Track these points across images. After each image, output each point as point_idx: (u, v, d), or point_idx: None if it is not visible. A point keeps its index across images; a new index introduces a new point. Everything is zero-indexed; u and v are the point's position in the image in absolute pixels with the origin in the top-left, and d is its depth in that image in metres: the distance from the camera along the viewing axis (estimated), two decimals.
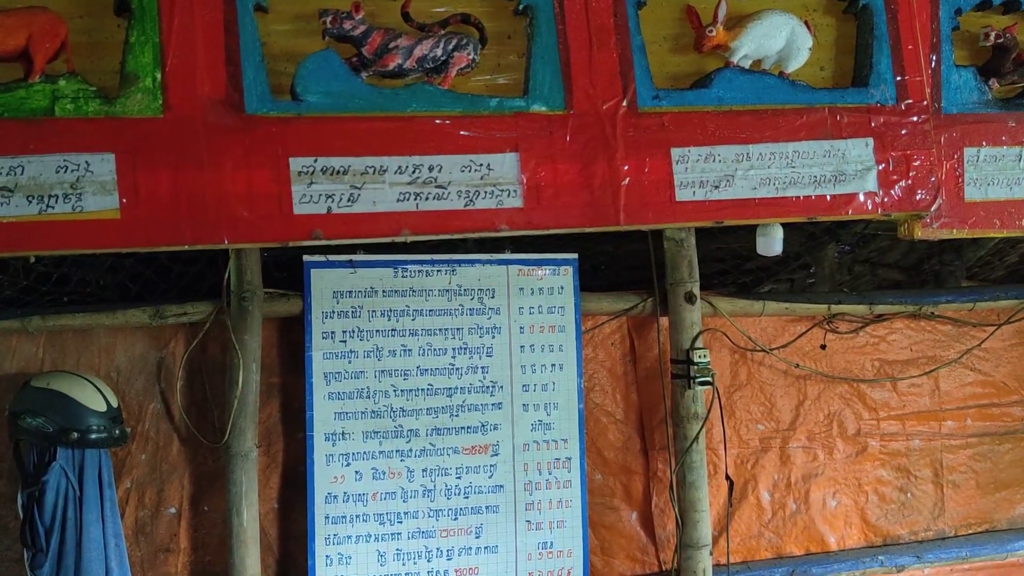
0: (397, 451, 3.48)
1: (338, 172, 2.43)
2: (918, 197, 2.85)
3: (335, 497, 3.42)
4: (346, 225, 2.47)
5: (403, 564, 3.48)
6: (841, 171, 2.79)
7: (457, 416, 3.55)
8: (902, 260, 5.50)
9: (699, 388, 3.65)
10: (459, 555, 3.53)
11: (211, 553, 3.46)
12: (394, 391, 3.49)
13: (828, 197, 2.80)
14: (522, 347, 3.63)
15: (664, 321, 3.80)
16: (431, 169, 2.49)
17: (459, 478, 3.54)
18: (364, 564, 3.44)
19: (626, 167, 2.63)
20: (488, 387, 3.59)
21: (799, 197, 2.77)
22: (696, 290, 3.72)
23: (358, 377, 3.46)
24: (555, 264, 3.69)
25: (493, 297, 3.61)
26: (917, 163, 2.86)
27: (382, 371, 3.48)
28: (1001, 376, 4.28)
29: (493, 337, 3.60)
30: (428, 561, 3.50)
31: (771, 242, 3.29)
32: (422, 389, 3.52)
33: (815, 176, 2.77)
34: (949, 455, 4.20)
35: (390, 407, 3.48)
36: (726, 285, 4.79)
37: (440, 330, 3.55)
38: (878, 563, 3.96)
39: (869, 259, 5.49)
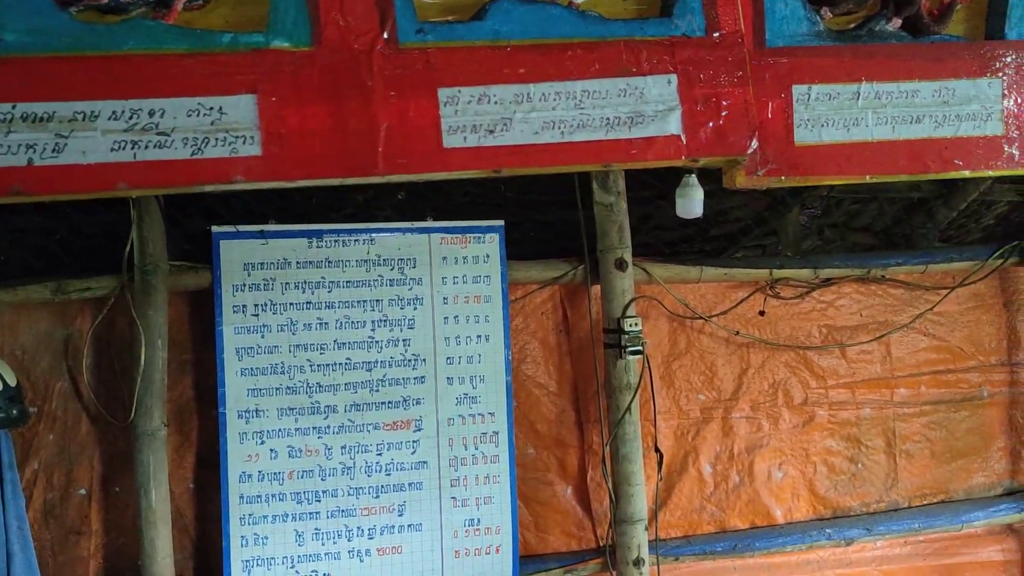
0: (314, 428, 3.36)
1: (41, 119, 2.22)
2: (731, 140, 2.56)
3: (250, 476, 3.31)
4: (51, 179, 2.22)
5: (322, 544, 3.36)
6: (639, 112, 2.51)
7: (377, 391, 3.42)
8: (873, 224, 5.34)
9: (631, 358, 3.51)
10: (381, 534, 3.41)
11: (125, 534, 3.35)
12: (310, 366, 3.36)
13: (624, 141, 2.51)
14: (446, 318, 3.50)
15: (597, 290, 3.65)
16: (152, 114, 2.26)
17: (380, 455, 3.42)
18: (282, 544, 3.33)
19: (385, 110, 2.36)
20: (410, 360, 3.46)
21: (589, 142, 2.49)
22: (627, 256, 3.57)
23: (272, 352, 3.34)
24: (480, 231, 3.54)
25: (414, 267, 3.47)
26: (729, 102, 2.57)
27: (297, 345, 3.36)
28: (956, 341, 4.11)
29: (415, 308, 3.47)
30: (348, 540, 3.39)
31: (690, 203, 3.13)
32: (340, 363, 3.39)
33: (608, 118, 2.50)
34: (902, 424, 4.05)
35: (306, 383, 3.36)
36: (694, 252, 4.64)
37: (358, 302, 3.42)
38: (825, 536, 3.83)
39: (838, 223, 5.34)
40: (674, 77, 2.54)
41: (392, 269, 3.45)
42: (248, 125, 2.30)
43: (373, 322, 3.43)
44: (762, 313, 3.85)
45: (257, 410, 3.31)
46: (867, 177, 2.76)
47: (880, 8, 2.81)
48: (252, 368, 3.32)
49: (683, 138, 2.54)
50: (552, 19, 2.50)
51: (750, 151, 2.57)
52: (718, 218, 4.84)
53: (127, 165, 2.24)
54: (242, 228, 3.33)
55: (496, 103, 2.43)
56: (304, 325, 3.37)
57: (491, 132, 2.42)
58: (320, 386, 3.37)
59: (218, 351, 3.30)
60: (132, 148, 2.23)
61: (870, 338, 3.98)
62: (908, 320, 4.01)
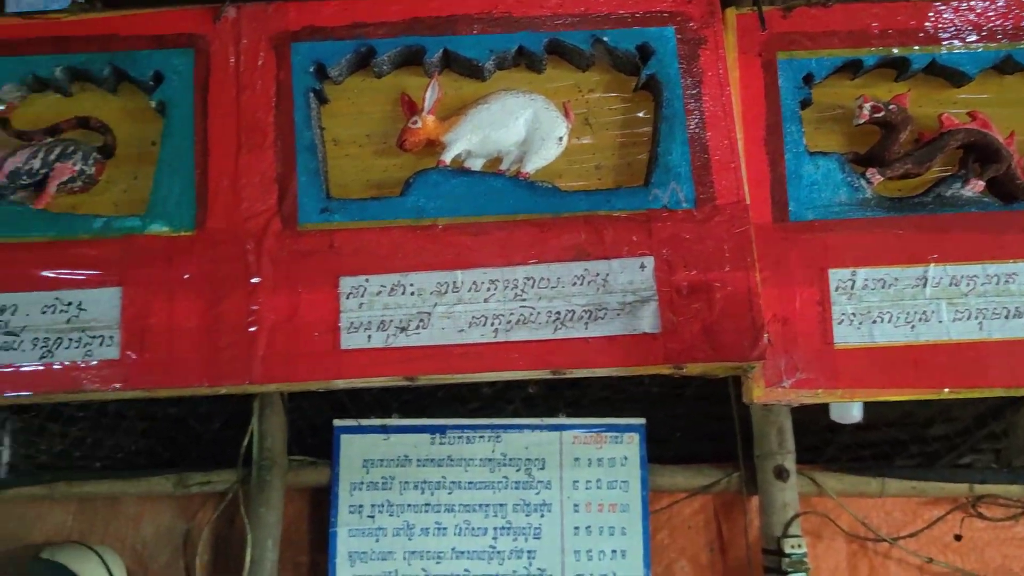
0: None
1: None
2: (726, 342, 1.94)
3: None
4: None
5: None
6: (600, 304, 1.95)
7: None
8: None
9: None
10: None
11: None
12: None
13: (578, 341, 1.96)
14: (576, 529, 3.12)
15: (755, 502, 3.17)
16: (3, 311, 1.96)
17: None
18: None
19: (271, 305, 1.97)
20: (534, 575, 3.09)
21: (530, 342, 1.95)
22: (789, 463, 3.09)
23: (385, 559, 3.09)
24: (618, 430, 3.20)
25: (543, 468, 3.16)
26: (726, 292, 1.96)
27: (412, 552, 3.09)
28: None
29: (542, 516, 3.13)
30: None
31: (845, 407, 2.65)
32: (457, 575, 3.07)
33: (557, 312, 1.96)
34: None
35: None
36: (912, 456, 4.03)
37: (480, 506, 3.13)
38: None
39: None
40: (650, 260, 2.03)
41: (519, 470, 3.15)
42: (109, 323, 1.99)
43: (495, 529, 3.11)
44: (958, 538, 3.17)
45: None
46: (945, 391, 2.05)
47: (958, 168, 2.18)
48: None
49: (660, 337, 1.98)
50: (491, 192, 2.09)
51: (756, 355, 1.97)
52: (941, 415, 4.18)
53: None
54: (364, 422, 3.18)
55: (413, 294, 2.02)
56: (421, 530, 3.10)
57: (403, 330, 2.00)
58: None
59: (330, 555, 3.09)
60: None
61: None
62: None
